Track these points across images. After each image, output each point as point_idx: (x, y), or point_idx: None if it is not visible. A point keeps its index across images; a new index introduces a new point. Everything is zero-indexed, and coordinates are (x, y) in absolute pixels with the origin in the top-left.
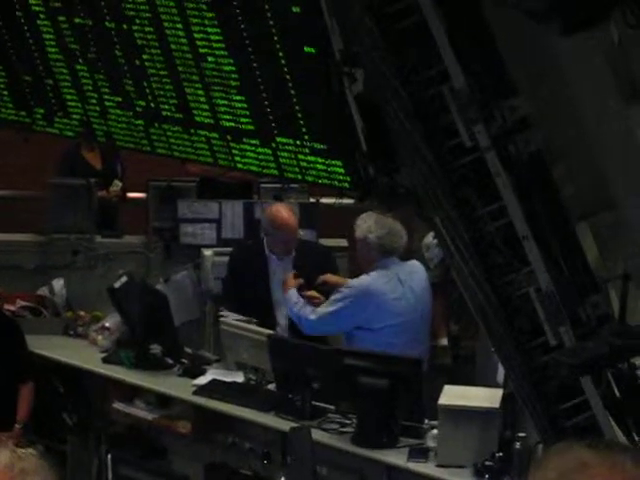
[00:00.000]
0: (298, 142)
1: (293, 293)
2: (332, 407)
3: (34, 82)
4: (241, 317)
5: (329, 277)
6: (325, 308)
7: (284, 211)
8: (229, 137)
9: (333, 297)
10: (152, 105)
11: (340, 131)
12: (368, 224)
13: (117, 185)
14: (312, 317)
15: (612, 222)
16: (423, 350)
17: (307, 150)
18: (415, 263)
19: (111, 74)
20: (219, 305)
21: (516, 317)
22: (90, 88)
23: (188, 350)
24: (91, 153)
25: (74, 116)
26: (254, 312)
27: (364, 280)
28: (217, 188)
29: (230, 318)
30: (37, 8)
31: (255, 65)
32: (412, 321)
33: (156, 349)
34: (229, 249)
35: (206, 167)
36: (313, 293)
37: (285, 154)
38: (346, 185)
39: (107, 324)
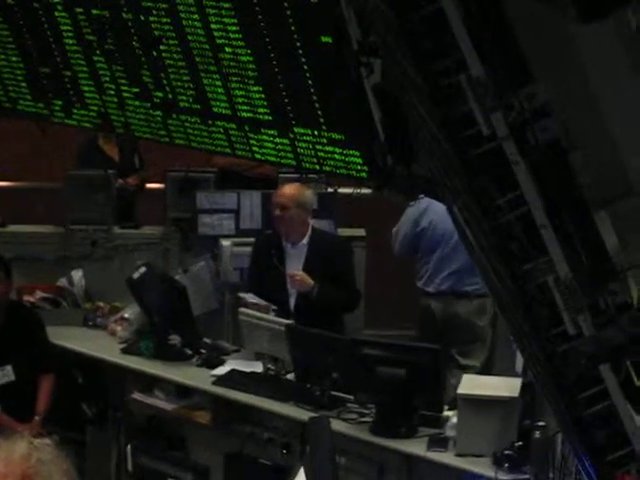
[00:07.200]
0: (316, 132)
1: None
2: (351, 397)
3: (52, 74)
4: (259, 300)
5: (295, 272)
6: None
7: (286, 185)
8: (247, 127)
9: None
10: (170, 96)
11: (358, 121)
12: None
13: (140, 176)
14: None
15: (631, 209)
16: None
17: (325, 140)
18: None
19: (128, 65)
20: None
21: (535, 306)
22: (108, 79)
23: (207, 340)
24: (108, 145)
25: (92, 107)
26: (273, 300)
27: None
28: (237, 181)
29: (248, 298)
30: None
31: (272, 55)
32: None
33: (175, 340)
34: (247, 239)
35: (233, 160)
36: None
37: (303, 144)
38: (364, 175)
39: (126, 315)
